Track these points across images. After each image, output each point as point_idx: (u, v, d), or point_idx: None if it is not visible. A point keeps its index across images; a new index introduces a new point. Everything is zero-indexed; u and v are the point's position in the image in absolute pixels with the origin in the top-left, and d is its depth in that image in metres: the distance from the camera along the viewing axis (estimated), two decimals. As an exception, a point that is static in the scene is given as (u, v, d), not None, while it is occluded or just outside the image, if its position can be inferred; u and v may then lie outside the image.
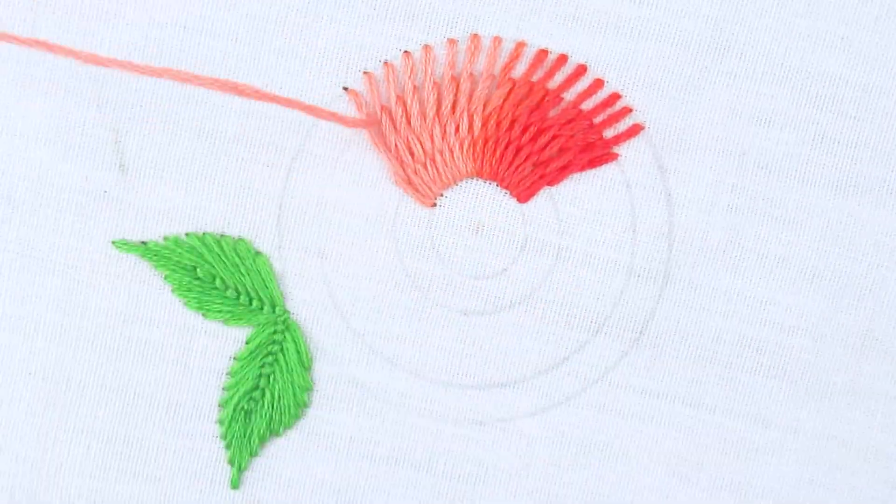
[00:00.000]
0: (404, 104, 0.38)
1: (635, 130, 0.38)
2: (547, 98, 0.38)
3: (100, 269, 0.38)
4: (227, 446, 0.39)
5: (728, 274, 0.38)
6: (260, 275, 0.38)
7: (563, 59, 0.38)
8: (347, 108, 0.38)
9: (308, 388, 0.38)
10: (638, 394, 0.39)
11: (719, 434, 0.39)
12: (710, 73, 0.38)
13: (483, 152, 0.38)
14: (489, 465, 0.39)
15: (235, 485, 0.39)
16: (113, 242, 0.38)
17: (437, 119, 0.38)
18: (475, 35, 0.38)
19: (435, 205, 0.38)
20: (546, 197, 0.38)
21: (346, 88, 0.38)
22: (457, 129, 0.38)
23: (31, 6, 0.37)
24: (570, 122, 0.38)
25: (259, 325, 0.38)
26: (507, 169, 0.38)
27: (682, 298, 0.38)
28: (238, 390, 0.38)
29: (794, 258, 0.38)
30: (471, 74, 0.38)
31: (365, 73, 0.38)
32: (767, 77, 0.38)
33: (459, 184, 0.38)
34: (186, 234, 0.38)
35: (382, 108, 0.38)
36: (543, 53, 0.38)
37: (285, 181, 0.38)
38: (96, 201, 0.38)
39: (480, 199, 0.38)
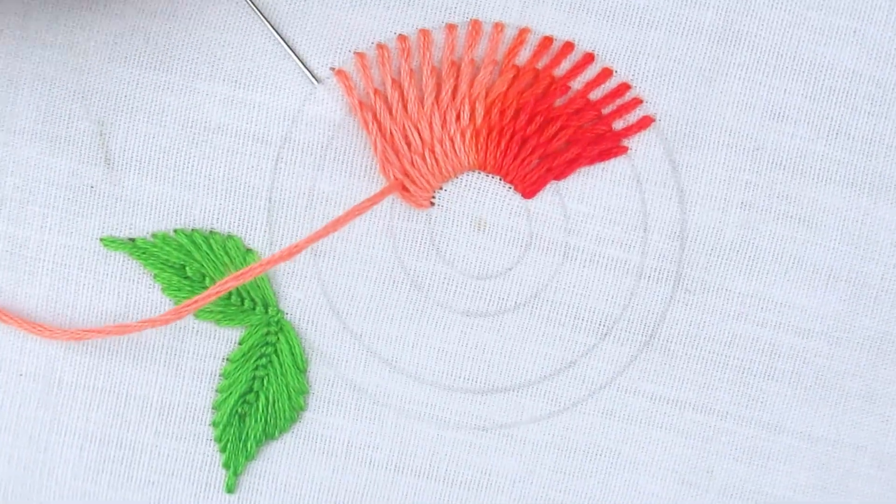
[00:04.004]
0: (400, 89, 0.37)
1: (646, 123, 0.37)
2: (553, 86, 0.37)
3: (89, 268, 0.38)
4: (222, 450, 0.38)
5: (742, 275, 0.38)
6: (251, 273, 0.38)
7: (569, 46, 0.37)
8: (335, 90, 0.38)
9: (304, 391, 0.38)
10: (647, 399, 0.38)
11: (731, 440, 0.39)
12: (721, 64, 0.37)
13: (486, 143, 0.37)
14: (492, 472, 0.39)
15: (231, 489, 0.39)
16: (101, 240, 0.38)
17: (436, 106, 0.37)
18: (476, 20, 0.37)
19: (433, 205, 0.38)
20: (552, 192, 0.38)
21: (333, 69, 0.37)
22: (457, 118, 0.37)
23: None
24: (578, 112, 0.37)
25: (252, 325, 0.38)
26: (512, 162, 0.37)
27: (694, 300, 0.38)
28: (232, 392, 0.38)
29: (810, 258, 0.38)
30: (472, 60, 0.37)
31: (356, 53, 0.37)
32: (780, 70, 0.37)
33: (460, 177, 0.38)
34: (175, 231, 0.38)
35: (376, 91, 0.37)
36: (548, 40, 0.37)
37: (273, 173, 0.38)
38: (84, 197, 0.38)
39: (483, 193, 0.38)
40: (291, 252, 0.36)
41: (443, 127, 0.37)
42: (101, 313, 0.38)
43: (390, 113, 0.37)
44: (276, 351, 0.38)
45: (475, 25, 0.37)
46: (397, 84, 0.37)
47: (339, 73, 0.37)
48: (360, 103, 0.37)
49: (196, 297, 0.36)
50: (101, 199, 0.38)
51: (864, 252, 0.38)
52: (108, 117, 0.37)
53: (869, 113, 0.38)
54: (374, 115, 0.37)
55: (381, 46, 0.37)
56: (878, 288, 0.38)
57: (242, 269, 0.37)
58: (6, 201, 0.38)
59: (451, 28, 0.37)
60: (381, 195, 0.37)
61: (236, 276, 0.36)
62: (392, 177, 0.37)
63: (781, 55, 0.37)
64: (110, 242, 0.38)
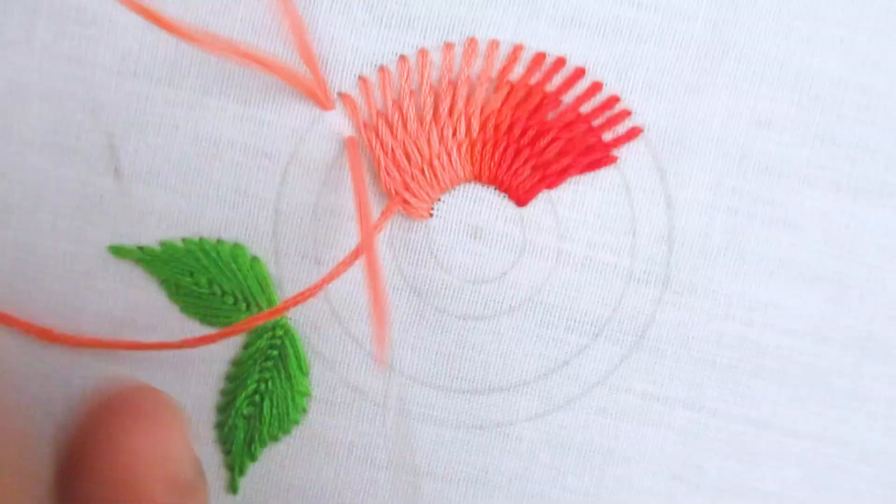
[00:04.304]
0: (400, 108, 0.38)
1: (634, 133, 0.38)
2: (545, 101, 0.38)
3: (97, 275, 0.38)
4: (226, 452, 0.39)
5: (728, 277, 0.38)
6: (257, 280, 0.38)
7: (561, 61, 0.38)
8: (341, 114, 0.38)
9: (307, 395, 0.38)
10: (638, 397, 0.39)
11: (720, 437, 0.39)
12: (709, 75, 0.38)
13: (482, 155, 0.38)
14: (489, 470, 0.39)
15: (235, 490, 0.39)
16: (109, 248, 0.38)
17: (434, 123, 0.38)
18: (472, 39, 0.37)
19: (432, 215, 0.38)
20: (545, 200, 0.38)
21: (339, 94, 0.38)
22: (454, 133, 0.38)
23: None
24: (569, 124, 0.38)
25: (257, 330, 0.38)
26: (507, 172, 0.38)
27: (682, 302, 0.38)
28: (236, 396, 0.38)
29: (795, 261, 0.38)
30: (468, 77, 0.38)
31: (360, 77, 0.38)
32: (767, 79, 0.38)
33: (457, 188, 0.38)
34: (183, 240, 0.38)
35: (378, 113, 0.38)
36: (541, 56, 0.38)
37: (280, 186, 0.38)
38: (93, 206, 0.38)
39: (478, 203, 0.38)
40: (325, 281, 0.36)
41: (441, 142, 0.38)
42: (107, 319, 0.38)
43: (392, 132, 0.37)
44: (280, 355, 0.38)
45: (471, 44, 0.37)
46: (398, 105, 0.38)
47: (345, 98, 0.38)
48: (365, 125, 0.38)
49: (219, 332, 0.36)
50: (110, 208, 0.38)
51: (849, 254, 0.38)
52: (118, 130, 0.38)
53: (854, 119, 0.38)
54: (377, 135, 0.38)
55: (382, 69, 0.37)
56: (863, 289, 0.38)
57: (270, 308, 0.38)
58: (16, 210, 0.38)
59: (448, 47, 0.37)
60: (390, 210, 0.37)
61: (266, 314, 0.36)
62: (393, 192, 0.38)
63: (768, 64, 0.37)
64: (118, 251, 0.38)
